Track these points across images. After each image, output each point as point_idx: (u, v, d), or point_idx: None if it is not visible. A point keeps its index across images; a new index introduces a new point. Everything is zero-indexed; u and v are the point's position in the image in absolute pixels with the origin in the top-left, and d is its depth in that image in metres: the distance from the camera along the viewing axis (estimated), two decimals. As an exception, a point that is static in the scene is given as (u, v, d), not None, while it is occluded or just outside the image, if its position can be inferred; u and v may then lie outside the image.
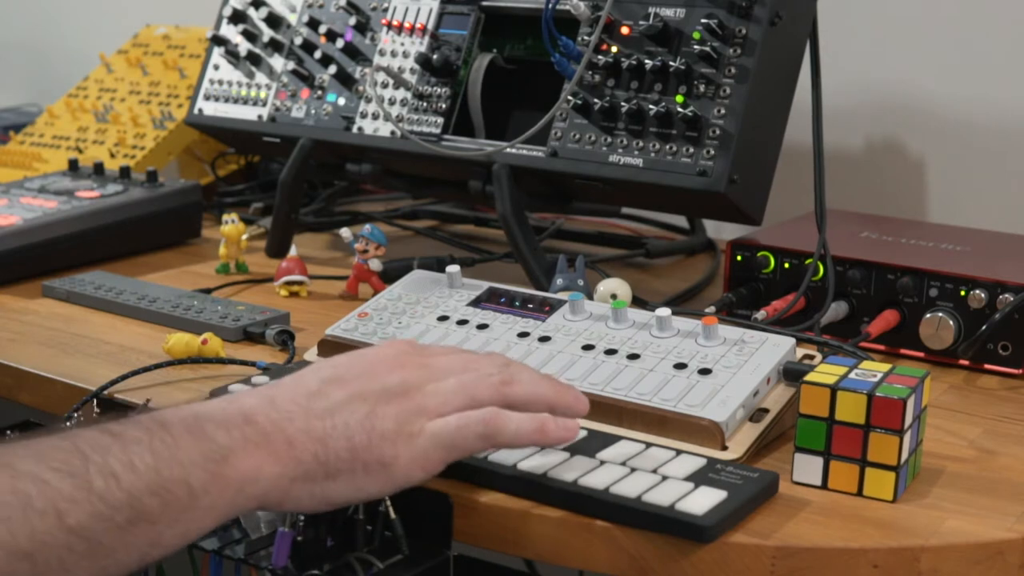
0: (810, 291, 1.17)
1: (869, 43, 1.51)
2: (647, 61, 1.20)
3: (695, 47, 1.18)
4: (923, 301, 1.13)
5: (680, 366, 0.96)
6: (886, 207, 1.49)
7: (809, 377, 0.86)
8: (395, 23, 1.39)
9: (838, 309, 1.15)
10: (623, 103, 1.20)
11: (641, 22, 1.21)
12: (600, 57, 1.23)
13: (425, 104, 1.34)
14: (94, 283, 1.28)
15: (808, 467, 0.86)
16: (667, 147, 1.18)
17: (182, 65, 1.78)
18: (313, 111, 1.42)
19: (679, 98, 1.19)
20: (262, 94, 1.47)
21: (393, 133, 1.35)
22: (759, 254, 1.20)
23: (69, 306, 1.26)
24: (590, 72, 1.23)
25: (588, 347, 1.00)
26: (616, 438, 0.90)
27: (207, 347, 1.09)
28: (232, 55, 1.50)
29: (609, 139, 1.21)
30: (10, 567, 0.67)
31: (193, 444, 0.74)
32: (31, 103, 2.21)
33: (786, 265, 1.19)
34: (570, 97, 1.23)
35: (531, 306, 1.07)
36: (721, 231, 1.55)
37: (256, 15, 1.49)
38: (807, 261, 1.16)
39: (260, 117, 1.46)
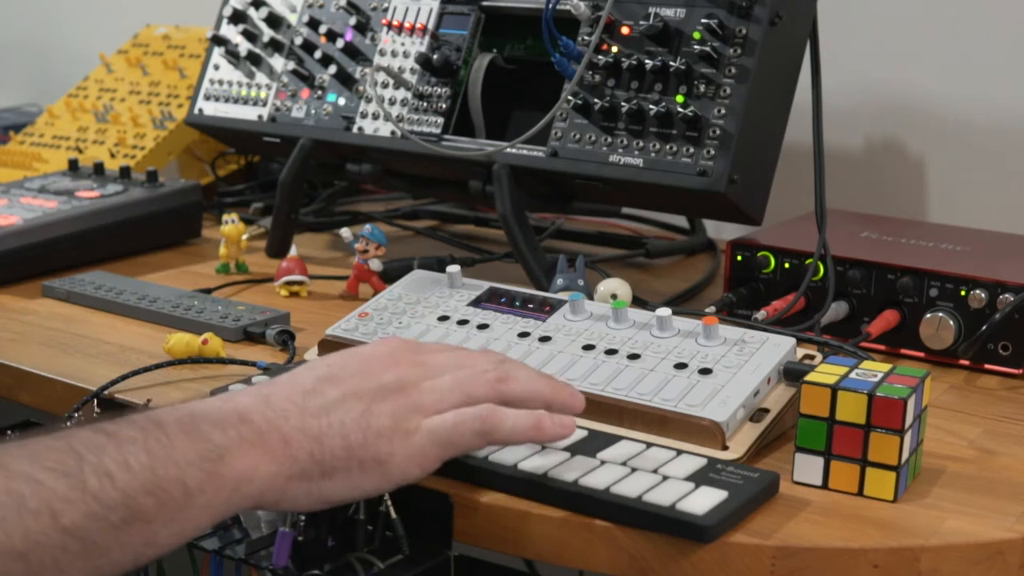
0: (810, 291, 1.17)
1: (869, 43, 1.51)
2: (647, 61, 1.20)
3: (695, 47, 1.18)
4: (923, 301, 1.13)
5: (680, 366, 0.96)
6: (886, 207, 1.49)
7: (810, 377, 0.86)
8: (395, 23, 1.39)
9: (838, 309, 1.15)
10: (623, 103, 1.20)
11: (641, 22, 1.21)
12: (600, 57, 1.23)
13: (425, 104, 1.34)
14: (94, 283, 1.28)
15: (808, 467, 0.86)
16: (667, 147, 1.18)
17: (182, 65, 1.78)
18: (313, 111, 1.42)
19: (679, 98, 1.19)
20: (262, 94, 1.47)
21: (393, 133, 1.35)
22: (759, 254, 1.20)
23: (69, 306, 1.26)
24: (590, 72, 1.23)
25: (588, 347, 1.00)
26: (617, 438, 0.90)
27: (207, 347, 1.09)
28: (232, 55, 1.50)
29: (609, 139, 1.21)
30: (4, 567, 0.66)
31: (189, 443, 0.73)
32: (31, 103, 2.21)
33: (786, 265, 1.19)
34: (570, 97, 1.23)
35: (531, 306, 1.07)
36: (721, 231, 1.55)
37: (256, 15, 1.49)
38: (807, 261, 1.16)
39: (260, 117, 1.46)
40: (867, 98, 1.52)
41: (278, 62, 1.47)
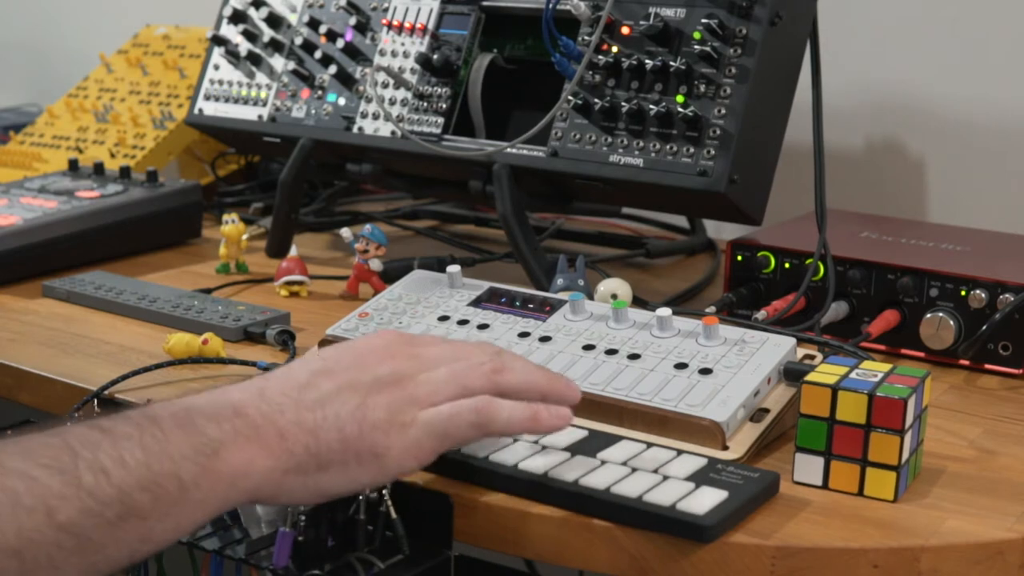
0: (810, 291, 1.17)
1: (869, 43, 1.51)
2: (647, 61, 1.20)
3: (695, 47, 1.18)
4: (923, 301, 1.13)
5: (681, 366, 0.96)
6: (886, 207, 1.49)
7: (810, 377, 0.86)
8: (395, 23, 1.39)
9: (838, 309, 1.15)
10: (623, 103, 1.20)
11: (641, 22, 1.21)
12: (600, 57, 1.23)
13: (425, 104, 1.34)
14: (94, 283, 1.28)
15: (809, 467, 0.86)
16: (667, 147, 1.18)
17: (182, 65, 1.78)
18: (313, 111, 1.42)
19: (679, 98, 1.19)
20: (262, 94, 1.47)
21: (393, 133, 1.35)
22: (759, 254, 1.20)
23: (69, 306, 1.26)
24: (590, 72, 1.23)
25: (589, 347, 1.00)
26: (617, 438, 0.90)
27: (207, 347, 1.09)
28: (232, 55, 1.50)
29: (609, 139, 1.21)
30: None
31: (183, 438, 0.73)
32: (31, 103, 2.21)
33: (786, 265, 1.19)
34: (570, 97, 1.23)
35: (531, 306, 1.07)
36: (721, 231, 1.55)
37: (256, 15, 1.49)
38: (807, 261, 1.16)
39: (260, 117, 1.46)
40: (867, 98, 1.52)
41: (278, 62, 1.47)
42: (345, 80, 1.40)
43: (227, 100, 1.50)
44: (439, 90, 1.34)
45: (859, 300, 1.16)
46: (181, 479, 0.72)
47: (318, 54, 1.41)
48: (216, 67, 1.52)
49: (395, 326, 1.07)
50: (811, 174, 1.21)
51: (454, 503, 0.85)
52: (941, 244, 1.23)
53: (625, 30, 1.23)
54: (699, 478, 0.83)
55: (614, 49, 1.23)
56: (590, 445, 0.88)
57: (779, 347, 0.97)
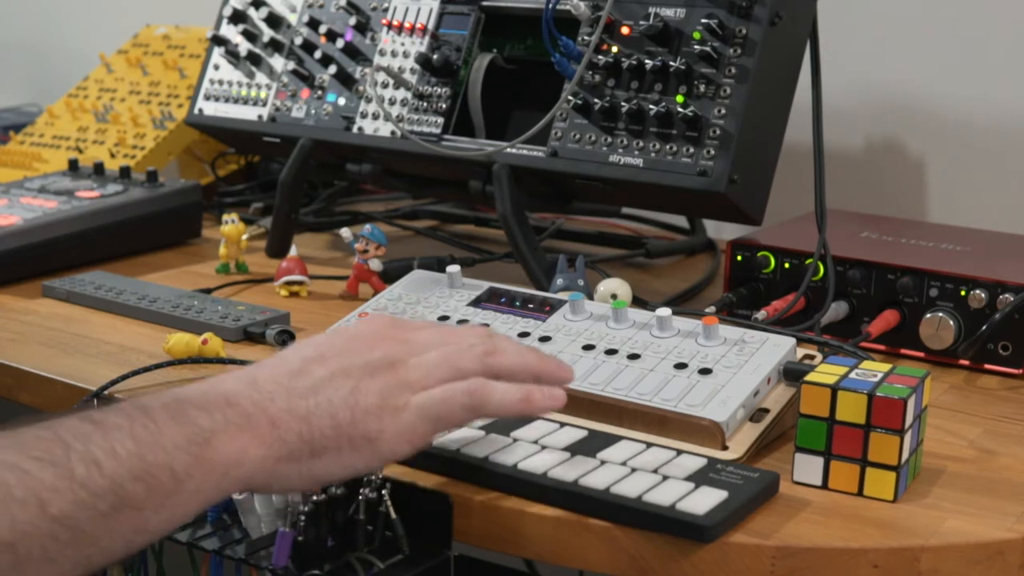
0: (810, 291, 1.17)
1: (869, 43, 1.51)
2: (647, 61, 1.20)
3: (695, 47, 1.18)
4: (923, 301, 1.13)
5: (680, 366, 0.96)
6: (886, 207, 1.49)
7: (809, 377, 0.86)
8: (395, 23, 1.39)
9: (838, 309, 1.15)
10: (623, 103, 1.20)
11: (641, 22, 1.21)
12: (600, 57, 1.23)
13: (425, 104, 1.34)
14: (94, 283, 1.28)
15: (808, 467, 0.86)
16: (667, 147, 1.18)
17: (182, 65, 1.78)
18: (313, 111, 1.42)
19: (679, 98, 1.19)
20: (262, 94, 1.47)
21: (393, 133, 1.35)
22: (759, 254, 1.20)
23: (69, 306, 1.26)
24: (590, 72, 1.23)
25: (588, 347, 1.00)
26: (617, 438, 0.90)
27: (207, 347, 1.09)
28: (232, 55, 1.50)
29: (609, 139, 1.21)
30: None
31: (176, 428, 0.73)
32: (31, 103, 2.21)
33: (786, 265, 1.19)
34: (570, 97, 1.23)
35: (531, 306, 1.07)
36: (721, 231, 1.55)
37: (256, 15, 1.49)
38: (807, 261, 1.16)
39: (260, 117, 1.46)
40: (867, 98, 1.52)
41: (278, 62, 1.47)
42: (345, 80, 1.40)
43: (227, 100, 1.50)
44: (439, 90, 1.34)
45: (859, 300, 1.16)
46: (174, 470, 0.72)
47: (318, 54, 1.41)
48: (216, 67, 1.52)
49: (395, 326, 1.07)
50: (811, 174, 1.21)
51: (454, 503, 0.85)
52: (941, 244, 1.23)
53: (625, 30, 1.23)
54: (699, 478, 0.83)
55: (614, 49, 1.23)
56: (590, 445, 0.88)
57: (779, 347, 0.97)
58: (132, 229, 1.44)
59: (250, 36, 1.49)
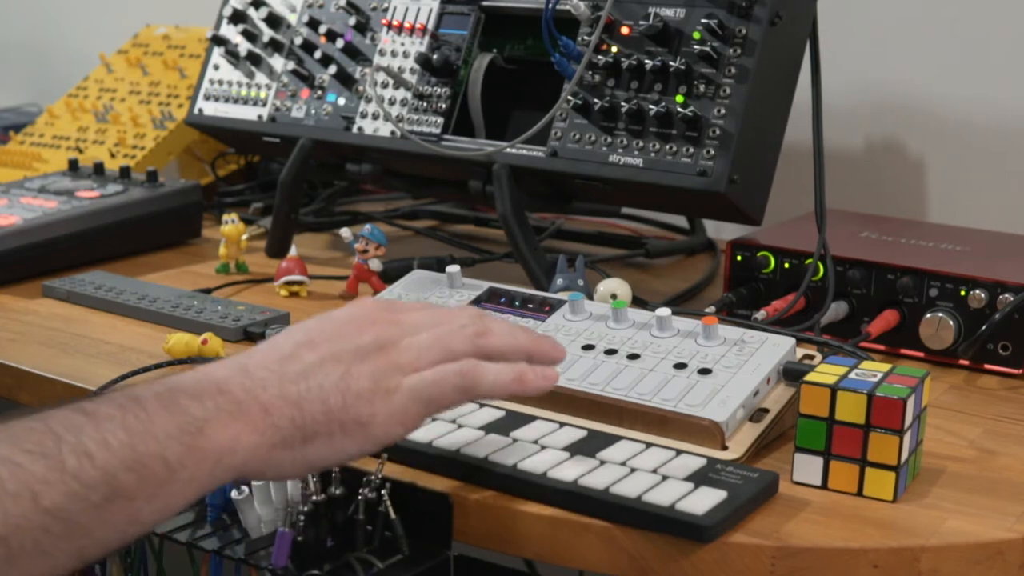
0: (810, 291, 1.17)
1: (869, 43, 1.51)
2: (647, 61, 1.20)
3: (695, 47, 1.18)
4: (923, 301, 1.13)
5: (680, 366, 0.96)
6: (886, 207, 1.49)
7: (809, 377, 0.86)
8: (395, 23, 1.39)
9: (838, 309, 1.15)
10: (623, 103, 1.20)
11: (641, 22, 1.21)
12: (600, 57, 1.23)
13: (425, 104, 1.34)
14: (94, 283, 1.28)
15: (808, 467, 0.86)
16: (667, 147, 1.18)
17: (182, 65, 1.78)
18: (313, 111, 1.42)
19: (679, 98, 1.19)
20: (262, 94, 1.47)
21: (393, 133, 1.35)
22: (759, 254, 1.20)
23: (69, 306, 1.26)
24: (590, 72, 1.23)
25: (588, 347, 1.00)
26: (616, 438, 0.90)
27: (207, 347, 1.09)
28: (232, 55, 1.50)
29: (609, 139, 1.21)
30: None
31: (167, 418, 0.73)
32: (31, 103, 2.21)
33: (786, 265, 1.19)
34: (570, 97, 1.23)
35: (531, 306, 1.07)
36: (721, 231, 1.55)
37: (256, 15, 1.49)
38: (807, 261, 1.16)
39: (260, 117, 1.46)
40: (867, 98, 1.52)
41: (278, 62, 1.47)
42: (345, 80, 1.40)
43: (227, 100, 1.50)
44: (439, 90, 1.34)
45: (859, 300, 1.16)
46: (167, 459, 0.71)
47: (318, 54, 1.41)
48: (216, 67, 1.52)
49: (395, 326, 1.07)
50: (811, 174, 1.21)
51: (453, 503, 0.85)
52: (941, 244, 1.23)
53: (625, 30, 1.23)
54: (698, 478, 0.83)
55: (614, 49, 1.23)
56: (589, 445, 0.88)
57: (778, 347, 0.97)
58: (132, 229, 1.44)
59: (250, 36, 1.49)
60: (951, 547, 0.79)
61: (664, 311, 1.01)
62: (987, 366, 1.10)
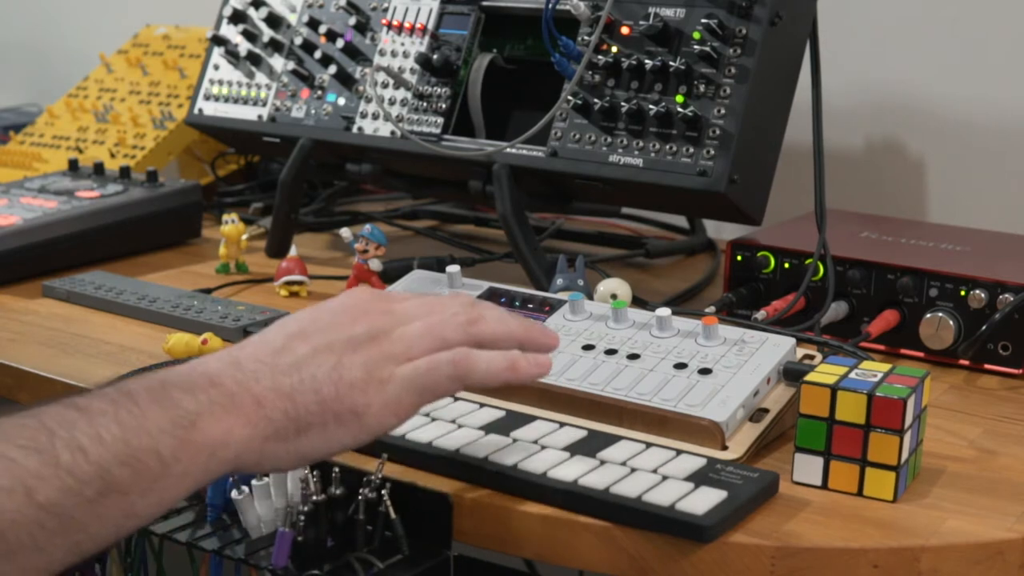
0: (810, 291, 1.17)
1: (869, 43, 1.51)
2: (647, 61, 1.20)
3: (695, 47, 1.18)
4: (923, 301, 1.13)
5: (680, 366, 0.96)
6: (886, 207, 1.49)
7: (809, 377, 0.86)
8: (395, 23, 1.39)
9: (838, 309, 1.15)
10: (623, 103, 1.20)
11: (641, 22, 1.21)
12: (600, 57, 1.23)
13: (425, 104, 1.34)
14: (94, 283, 1.28)
15: (808, 467, 0.86)
16: (667, 147, 1.18)
17: (182, 65, 1.78)
18: (313, 111, 1.42)
19: (679, 98, 1.19)
20: (262, 94, 1.47)
21: (393, 133, 1.35)
22: (759, 254, 1.20)
23: (69, 306, 1.26)
24: (590, 72, 1.23)
25: (588, 347, 1.00)
26: (616, 438, 0.90)
27: (207, 347, 1.09)
28: (232, 55, 1.50)
29: (609, 139, 1.21)
30: None
31: (160, 412, 0.73)
32: (31, 103, 2.21)
33: (786, 265, 1.19)
34: (570, 97, 1.23)
35: (531, 306, 1.07)
36: (721, 231, 1.55)
37: (256, 15, 1.49)
38: (807, 261, 1.16)
39: (260, 117, 1.46)
40: (867, 98, 1.52)
41: (278, 62, 1.47)
42: (345, 80, 1.40)
43: (227, 100, 1.50)
44: (439, 90, 1.34)
45: (859, 300, 1.16)
46: (160, 453, 0.71)
47: (318, 54, 1.41)
48: (216, 67, 1.52)
49: (395, 326, 1.07)
50: (811, 174, 1.21)
51: (453, 503, 0.85)
52: (941, 244, 1.23)
53: (625, 30, 1.23)
54: (698, 478, 0.83)
55: (614, 49, 1.23)
56: (589, 445, 0.88)
57: (779, 347, 0.97)
58: (132, 229, 1.44)
59: (250, 36, 1.49)
60: (951, 547, 0.79)
61: (664, 311, 1.01)
62: (987, 366, 1.10)
